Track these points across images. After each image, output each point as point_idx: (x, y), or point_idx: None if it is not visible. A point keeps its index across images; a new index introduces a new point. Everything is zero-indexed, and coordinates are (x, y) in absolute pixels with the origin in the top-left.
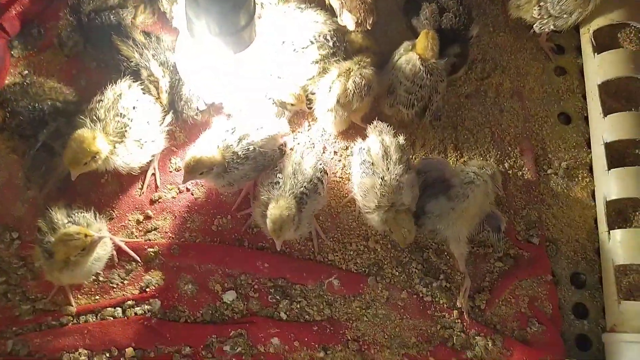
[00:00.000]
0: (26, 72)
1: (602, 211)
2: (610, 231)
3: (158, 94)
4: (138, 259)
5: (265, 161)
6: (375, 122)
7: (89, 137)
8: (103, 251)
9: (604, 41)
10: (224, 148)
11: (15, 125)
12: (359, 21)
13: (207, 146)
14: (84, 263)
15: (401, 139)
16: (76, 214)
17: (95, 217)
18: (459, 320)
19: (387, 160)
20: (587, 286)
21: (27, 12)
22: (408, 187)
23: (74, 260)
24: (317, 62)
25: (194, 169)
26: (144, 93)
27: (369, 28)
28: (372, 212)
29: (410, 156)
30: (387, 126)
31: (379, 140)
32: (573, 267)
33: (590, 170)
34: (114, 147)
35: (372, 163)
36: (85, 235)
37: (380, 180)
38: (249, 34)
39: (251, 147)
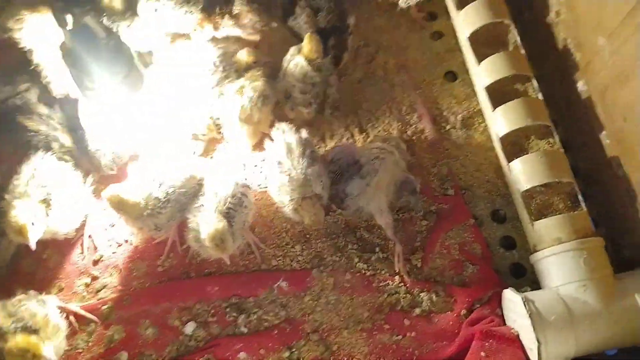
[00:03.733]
0: None
1: (498, 148)
2: (510, 163)
3: (70, 159)
4: (96, 319)
5: (187, 199)
6: (277, 125)
7: (16, 205)
8: (57, 340)
9: None
10: (145, 197)
11: None
12: None
13: (131, 190)
14: None
15: (303, 133)
16: (17, 307)
17: (38, 298)
18: (402, 284)
19: (291, 156)
20: (508, 219)
21: None
22: (316, 178)
23: None
24: (212, 88)
25: (116, 206)
26: (58, 161)
27: None
28: (287, 206)
29: (317, 147)
30: (289, 124)
31: (282, 139)
32: (490, 205)
33: (483, 115)
34: (46, 213)
35: (279, 162)
36: (33, 356)
37: (288, 177)
38: (137, 76)
39: (171, 190)
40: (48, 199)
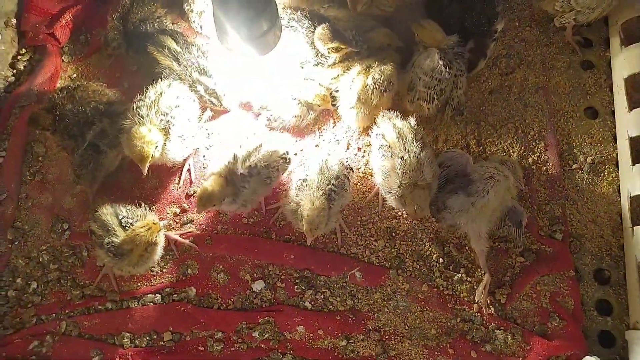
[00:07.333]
0: (75, 75)
1: (626, 207)
2: (634, 227)
3: (220, 102)
4: (196, 246)
5: (271, 173)
6: (382, 112)
7: (144, 130)
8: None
9: (633, 33)
10: (228, 174)
11: (63, 127)
12: None
13: (216, 180)
14: (156, 252)
15: (412, 120)
16: (128, 211)
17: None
18: (479, 314)
19: (402, 140)
20: (611, 283)
21: (75, 20)
22: (428, 164)
23: (150, 250)
24: (340, 61)
25: (207, 202)
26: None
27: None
28: (394, 191)
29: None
30: (394, 112)
31: (390, 124)
32: (597, 263)
33: (617, 165)
34: (164, 143)
35: (389, 146)
36: (150, 227)
37: (400, 159)
38: (272, 37)
39: (253, 164)
40: (168, 128)
